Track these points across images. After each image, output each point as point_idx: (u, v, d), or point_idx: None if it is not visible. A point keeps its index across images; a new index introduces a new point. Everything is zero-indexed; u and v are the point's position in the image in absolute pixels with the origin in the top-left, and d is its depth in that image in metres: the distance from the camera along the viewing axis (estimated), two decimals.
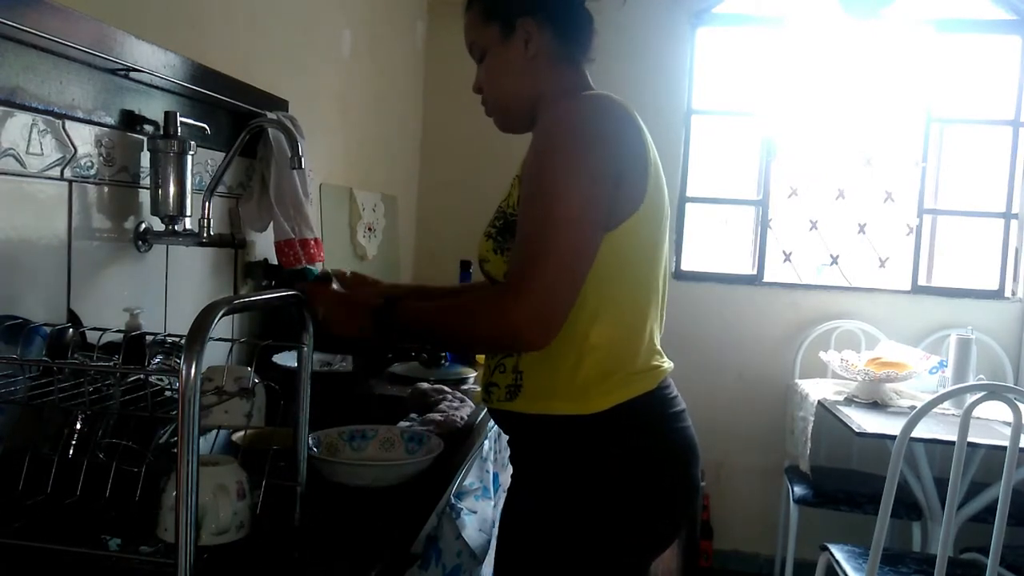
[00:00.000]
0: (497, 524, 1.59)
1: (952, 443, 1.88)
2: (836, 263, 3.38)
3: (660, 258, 1.23)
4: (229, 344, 1.21)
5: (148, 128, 1.43)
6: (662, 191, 1.21)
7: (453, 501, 1.44)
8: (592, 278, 1.12)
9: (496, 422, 1.35)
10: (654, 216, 1.19)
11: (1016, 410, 1.81)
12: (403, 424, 1.52)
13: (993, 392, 1.85)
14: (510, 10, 1.26)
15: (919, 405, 1.92)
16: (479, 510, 1.55)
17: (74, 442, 1.04)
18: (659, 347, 1.27)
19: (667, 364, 1.27)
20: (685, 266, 3.40)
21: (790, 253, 3.38)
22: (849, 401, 2.70)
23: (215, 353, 1.26)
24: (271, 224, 1.79)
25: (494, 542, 1.53)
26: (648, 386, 1.20)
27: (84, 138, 1.29)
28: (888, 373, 2.65)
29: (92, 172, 1.32)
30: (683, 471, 1.23)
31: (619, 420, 1.17)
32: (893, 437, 1.96)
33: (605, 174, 1.11)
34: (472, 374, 2.01)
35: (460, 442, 1.48)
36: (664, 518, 1.23)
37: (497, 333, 1.10)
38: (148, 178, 1.43)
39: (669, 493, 1.22)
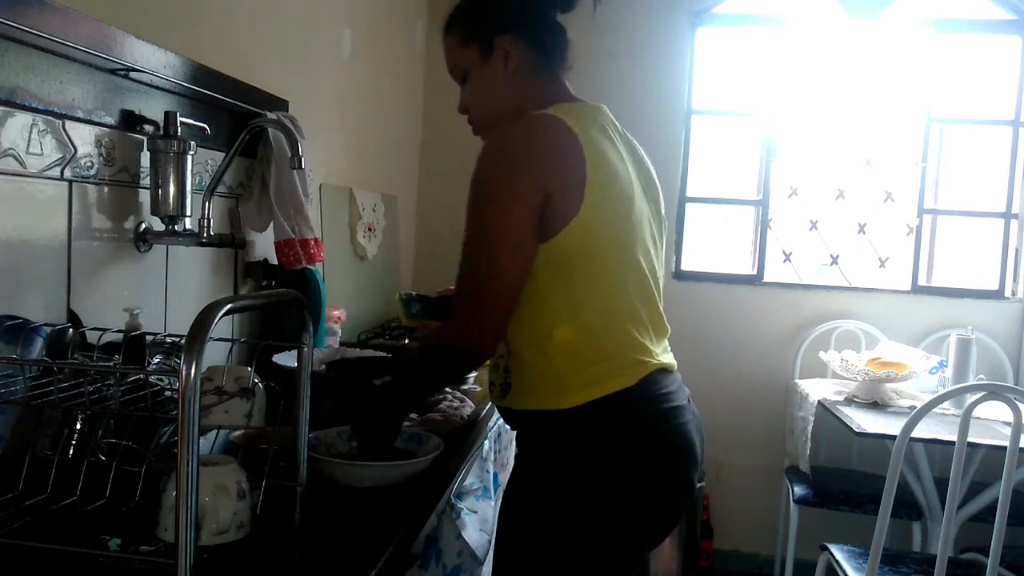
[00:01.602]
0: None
1: (952, 443, 1.88)
2: (836, 263, 3.38)
3: (626, 256, 1.24)
4: (229, 344, 1.21)
5: (148, 128, 1.43)
6: (611, 191, 1.21)
7: (453, 501, 1.44)
8: (547, 283, 1.19)
9: (500, 415, 1.41)
10: (601, 219, 1.19)
11: (1016, 410, 1.81)
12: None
13: (993, 392, 1.85)
14: (487, 30, 1.31)
15: (919, 405, 1.92)
16: (479, 510, 1.55)
17: (74, 442, 1.04)
18: (649, 344, 1.25)
19: (658, 360, 1.25)
20: (685, 266, 3.40)
21: (790, 253, 3.38)
22: (849, 401, 2.70)
23: (215, 353, 1.27)
24: (271, 224, 1.79)
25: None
26: (627, 382, 1.21)
27: (84, 138, 1.29)
28: (888, 373, 2.65)
29: (92, 172, 1.32)
30: (666, 468, 1.22)
31: (596, 414, 1.19)
32: (893, 437, 1.97)
33: (525, 197, 1.16)
34: (472, 373, 2.01)
35: (460, 442, 1.48)
36: (636, 514, 1.21)
37: (452, 355, 1.25)
38: (148, 178, 1.43)
39: (645, 489, 1.21)
